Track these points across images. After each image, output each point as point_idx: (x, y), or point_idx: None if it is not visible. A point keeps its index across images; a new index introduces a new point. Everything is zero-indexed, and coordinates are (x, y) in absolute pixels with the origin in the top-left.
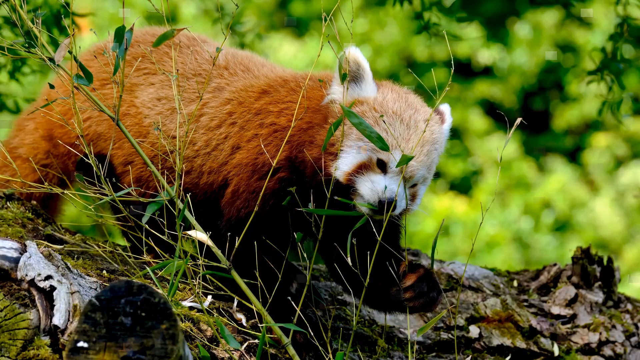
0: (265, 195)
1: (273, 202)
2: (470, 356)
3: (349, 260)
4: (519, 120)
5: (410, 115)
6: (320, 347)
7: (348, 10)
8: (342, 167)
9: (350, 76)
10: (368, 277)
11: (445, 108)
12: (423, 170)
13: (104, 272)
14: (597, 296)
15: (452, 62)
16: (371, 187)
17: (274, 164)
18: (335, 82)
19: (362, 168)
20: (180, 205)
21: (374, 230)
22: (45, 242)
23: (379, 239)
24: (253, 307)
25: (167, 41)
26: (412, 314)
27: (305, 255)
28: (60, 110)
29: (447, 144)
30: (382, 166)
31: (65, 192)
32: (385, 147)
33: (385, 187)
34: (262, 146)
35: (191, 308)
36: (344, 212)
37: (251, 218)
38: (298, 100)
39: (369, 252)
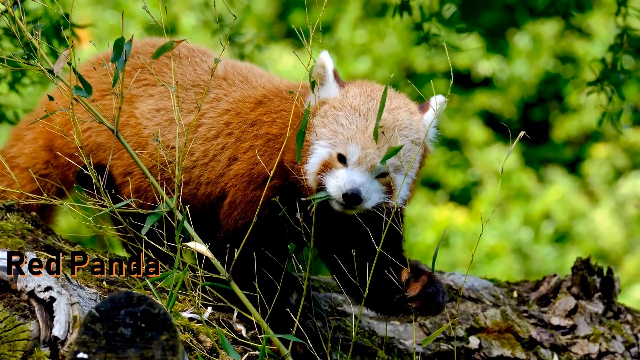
0: (261, 204)
1: (269, 210)
2: None
3: (354, 268)
4: (522, 133)
5: (369, 107)
6: (319, 359)
7: (348, 22)
8: (310, 170)
9: (321, 80)
10: (367, 287)
11: (433, 100)
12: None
13: (104, 283)
14: (597, 307)
15: (452, 73)
16: (334, 184)
17: (271, 174)
18: (310, 92)
19: (326, 166)
20: (180, 217)
21: (373, 240)
22: (45, 253)
23: (379, 249)
24: (252, 318)
25: (166, 52)
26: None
27: (300, 266)
28: (61, 121)
29: (436, 137)
30: (343, 160)
31: (64, 203)
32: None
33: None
34: (258, 156)
35: (191, 319)
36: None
37: (250, 229)
38: (289, 109)
39: (367, 263)
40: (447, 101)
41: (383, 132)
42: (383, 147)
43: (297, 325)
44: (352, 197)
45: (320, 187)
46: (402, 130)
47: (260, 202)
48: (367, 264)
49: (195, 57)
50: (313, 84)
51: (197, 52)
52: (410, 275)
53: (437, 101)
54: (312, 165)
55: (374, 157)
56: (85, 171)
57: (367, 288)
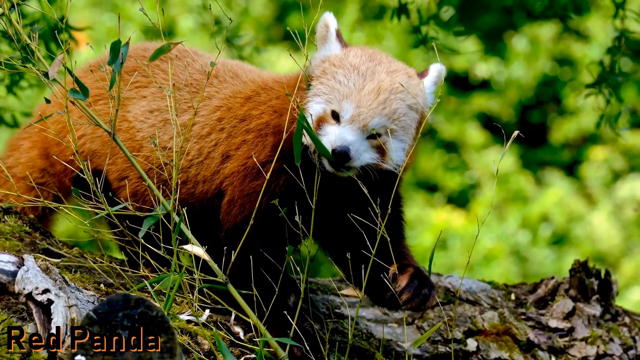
0: (258, 194)
1: (267, 199)
2: None
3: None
4: (515, 133)
5: (369, 67)
6: None
7: (346, 24)
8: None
9: (322, 39)
10: (363, 290)
11: (433, 67)
12: (380, 119)
13: (102, 285)
14: (595, 309)
15: (444, 74)
16: (326, 139)
17: (264, 168)
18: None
19: (321, 122)
20: (176, 219)
21: (365, 236)
22: (43, 256)
23: (373, 252)
24: (250, 321)
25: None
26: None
27: (298, 268)
28: (56, 129)
29: (434, 103)
30: (336, 117)
31: (60, 206)
32: None
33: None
34: (251, 149)
35: (189, 322)
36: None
37: (251, 222)
38: (276, 98)
39: (363, 266)
40: (445, 69)
41: (379, 94)
42: (377, 109)
43: (295, 328)
44: (341, 155)
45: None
46: (398, 93)
47: (260, 192)
48: (363, 266)
49: (186, 57)
50: (309, 86)
51: (189, 52)
52: (397, 269)
53: (437, 68)
54: (309, 123)
55: (366, 117)
56: (82, 175)
57: (363, 291)
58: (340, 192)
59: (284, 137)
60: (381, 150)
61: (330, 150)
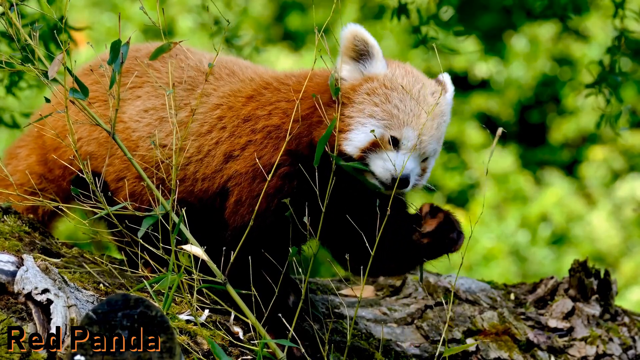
0: (269, 195)
1: (278, 200)
2: None
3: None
4: (499, 130)
5: (419, 89)
6: None
7: (345, 24)
8: (354, 143)
9: (357, 54)
10: (367, 273)
11: (445, 78)
12: (434, 143)
13: (101, 285)
14: (594, 309)
15: (442, 73)
16: (383, 166)
17: (276, 170)
18: (340, 61)
19: (374, 146)
20: (175, 219)
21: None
22: (42, 256)
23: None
24: (249, 321)
25: (164, 53)
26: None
27: (300, 269)
28: (54, 133)
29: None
30: (395, 143)
31: (60, 205)
32: None
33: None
34: (260, 150)
35: (188, 321)
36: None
37: (251, 220)
38: (283, 99)
39: (370, 250)
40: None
41: (433, 119)
42: (434, 135)
43: (295, 328)
44: (402, 182)
45: (363, 162)
46: (443, 116)
47: (271, 193)
48: (369, 255)
49: (180, 55)
50: (336, 90)
51: (183, 49)
52: (429, 211)
53: (446, 79)
54: (359, 141)
55: (427, 145)
56: (81, 175)
57: (367, 275)
58: (346, 192)
59: (306, 141)
60: (423, 170)
61: (390, 177)
